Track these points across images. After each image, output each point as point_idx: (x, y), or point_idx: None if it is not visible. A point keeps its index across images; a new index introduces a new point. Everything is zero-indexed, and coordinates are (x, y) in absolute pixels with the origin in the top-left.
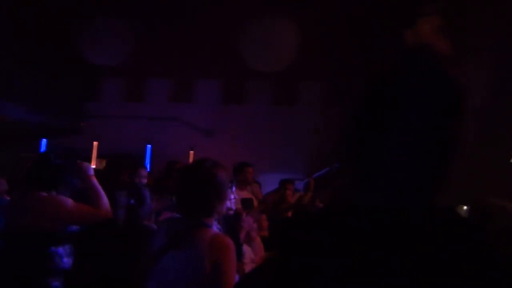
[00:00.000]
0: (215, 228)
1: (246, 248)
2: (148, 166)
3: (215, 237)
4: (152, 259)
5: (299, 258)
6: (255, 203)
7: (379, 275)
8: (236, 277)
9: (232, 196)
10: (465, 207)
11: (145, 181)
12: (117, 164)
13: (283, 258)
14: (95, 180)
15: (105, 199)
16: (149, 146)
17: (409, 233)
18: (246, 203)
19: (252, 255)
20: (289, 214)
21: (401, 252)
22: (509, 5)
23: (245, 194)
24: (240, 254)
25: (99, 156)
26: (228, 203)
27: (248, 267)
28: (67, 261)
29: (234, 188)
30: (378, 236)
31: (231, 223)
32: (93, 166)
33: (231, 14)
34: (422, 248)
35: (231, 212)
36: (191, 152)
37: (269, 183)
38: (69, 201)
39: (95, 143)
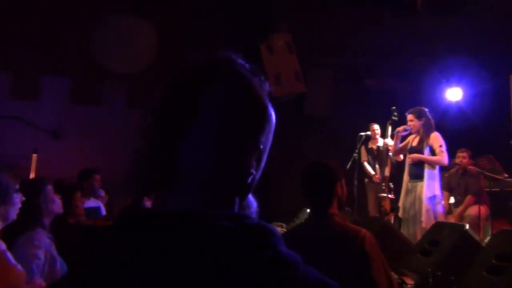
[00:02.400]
0: None
1: None
2: None
3: None
4: None
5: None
6: (104, 211)
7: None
8: None
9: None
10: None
11: None
12: None
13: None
14: None
15: None
16: None
17: (171, 240)
18: (92, 212)
19: None
20: None
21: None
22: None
23: (92, 202)
24: None
25: None
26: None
27: None
28: None
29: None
30: (142, 241)
31: None
32: None
33: (84, 8)
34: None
35: None
36: (34, 155)
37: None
38: None
39: None
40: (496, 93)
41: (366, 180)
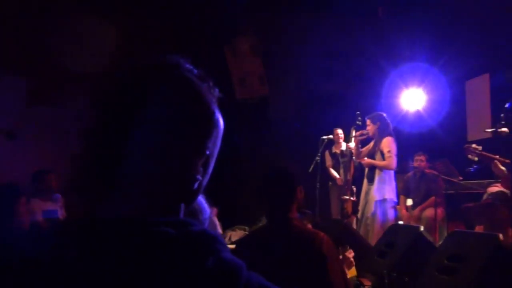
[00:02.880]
0: None
1: None
2: None
3: None
4: None
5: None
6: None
7: None
8: None
9: None
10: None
11: None
12: None
13: None
14: None
15: None
16: None
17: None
18: (49, 217)
19: None
20: None
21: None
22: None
23: (50, 205)
24: None
25: None
26: None
27: None
28: None
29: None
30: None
31: None
32: None
33: (42, 7)
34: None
35: None
36: None
37: None
38: None
39: None
40: (453, 98)
41: (330, 183)
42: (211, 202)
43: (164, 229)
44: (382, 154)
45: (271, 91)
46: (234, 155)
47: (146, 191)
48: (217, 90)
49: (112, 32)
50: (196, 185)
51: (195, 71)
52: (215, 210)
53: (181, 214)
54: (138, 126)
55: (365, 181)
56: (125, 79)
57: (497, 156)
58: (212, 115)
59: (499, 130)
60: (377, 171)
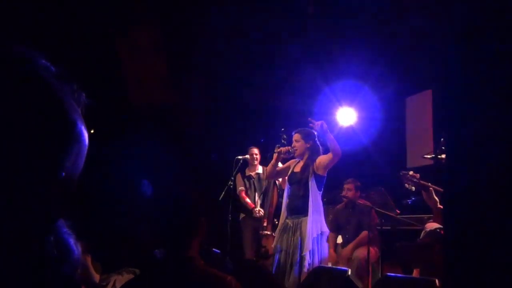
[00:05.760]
0: None
1: None
2: None
3: None
4: None
5: None
6: None
7: None
8: None
9: None
10: None
11: None
12: None
13: None
14: None
15: None
16: None
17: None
18: None
19: None
20: None
21: None
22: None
23: None
24: None
25: None
26: None
27: None
28: None
29: None
30: None
31: None
32: None
33: None
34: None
35: None
36: None
37: None
38: None
39: None
40: (392, 117)
41: (243, 215)
42: (85, 243)
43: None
44: (317, 177)
45: (178, 97)
46: (125, 175)
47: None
48: (83, 95)
49: None
50: (48, 218)
51: (53, 68)
52: (88, 257)
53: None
54: None
55: (284, 212)
56: None
57: (431, 185)
58: (71, 126)
59: (439, 156)
60: (311, 199)
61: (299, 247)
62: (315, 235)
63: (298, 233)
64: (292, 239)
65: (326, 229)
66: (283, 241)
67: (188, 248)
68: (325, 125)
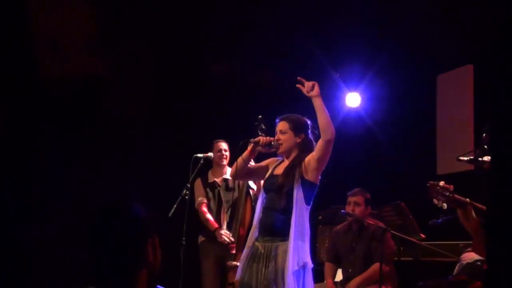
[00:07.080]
0: None
1: None
2: None
3: None
4: None
5: None
6: None
7: None
8: None
9: None
10: None
11: None
12: None
13: None
14: None
15: None
16: None
17: None
18: None
19: None
20: None
21: None
22: None
23: None
24: None
25: None
26: None
27: None
28: None
29: None
30: None
31: None
32: None
33: None
34: None
35: None
36: None
37: None
38: None
39: None
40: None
41: (202, 238)
42: None
43: None
44: (307, 185)
45: (111, 69)
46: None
47: None
48: None
49: None
50: None
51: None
52: None
53: None
54: None
55: (253, 232)
56: None
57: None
58: None
59: (481, 159)
60: (295, 216)
61: (273, 284)
62: (296, 268)
63: (273, 263)
64: (263, 271)
65: (309, 261)
66: (251, 274)
67: (132, 281)
68: (317, 88)
